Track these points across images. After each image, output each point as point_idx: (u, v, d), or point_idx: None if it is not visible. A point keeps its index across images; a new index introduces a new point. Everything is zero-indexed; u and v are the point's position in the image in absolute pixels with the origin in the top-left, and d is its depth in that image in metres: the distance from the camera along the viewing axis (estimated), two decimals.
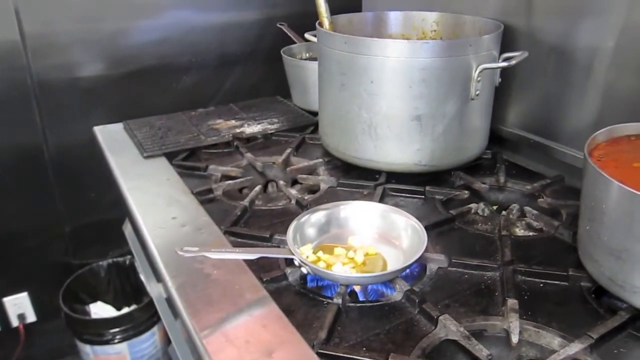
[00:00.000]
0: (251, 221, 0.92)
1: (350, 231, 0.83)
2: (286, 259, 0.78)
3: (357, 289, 0.75)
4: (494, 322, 0.67)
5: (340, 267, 0.73)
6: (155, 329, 1.57)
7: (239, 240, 0.85)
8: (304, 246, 0.78)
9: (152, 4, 1.42)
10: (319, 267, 0.72)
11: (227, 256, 0.75)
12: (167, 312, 1.00)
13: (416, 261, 0.72)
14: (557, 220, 0.88)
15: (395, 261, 0.76)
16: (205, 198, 0.98)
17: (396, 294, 0.72)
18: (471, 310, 0.69)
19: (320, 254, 0.77)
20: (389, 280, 0.73)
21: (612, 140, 0.77)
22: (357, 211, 0.84)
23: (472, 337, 0.63)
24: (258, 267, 0.76)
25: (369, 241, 0.81)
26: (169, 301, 0.81)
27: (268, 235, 0.84)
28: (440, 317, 0.66)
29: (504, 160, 1.10)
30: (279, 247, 0.83)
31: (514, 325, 0.65)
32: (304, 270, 0.74)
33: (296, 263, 0.74)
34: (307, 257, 0.75)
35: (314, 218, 0.82)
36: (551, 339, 0.65)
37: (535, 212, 0.90)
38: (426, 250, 0.75)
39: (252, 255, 0.74)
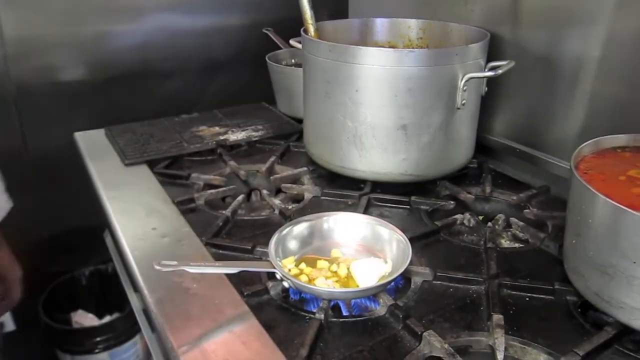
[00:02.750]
0: (233, 232, 0.90)
1: (333, 243, 0.81)
2: (268, 272, 0.76)
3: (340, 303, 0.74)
4: (479, 338, 0.66)
5: (323, 282, 0.71)
6: (137, 338, 1.54)
7: (220, 252, 0.83)
8: (286, 259, 0.76)
9: (134, 7, 1.39)
10: (301, 282, 0.70)
11: (207, 270, 0.73)
12: (146, 325, 0.98)
13: (400, 274, 0.71)
14: (543, 232, 0.87)
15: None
16: (186, 208, 0.96)
17: (380, 309, 0.71)
18: (456, 325, 0.68)
19: (302, 266, 0.75)
20: (373, 294, 0.72)
21: (599, 152, 0.76)
22: (340, 223, 0.82)
23: (457, 353, 0.62)
24: (239, 280, 0.74)
25: (353, 253, 0.80)
26: (147, 315, 0.79)
27: (250, 247, 0.83)
28: (424, 333, 0.64)
29: (490, 170, 1.09)
30: (260, 259, 0.81)
31: (500, 341, 0.64)
32: (285, 284, 0.73)
33: (278, 277, 0.73)
34: (289, 270, 0.74)
35: (297, 230, 0.80)
36: (537, 355, 0.64)
37: (521, 223, 0.89)
38: (411, 263, 0.73)
39: (232, 269, 0.72)
